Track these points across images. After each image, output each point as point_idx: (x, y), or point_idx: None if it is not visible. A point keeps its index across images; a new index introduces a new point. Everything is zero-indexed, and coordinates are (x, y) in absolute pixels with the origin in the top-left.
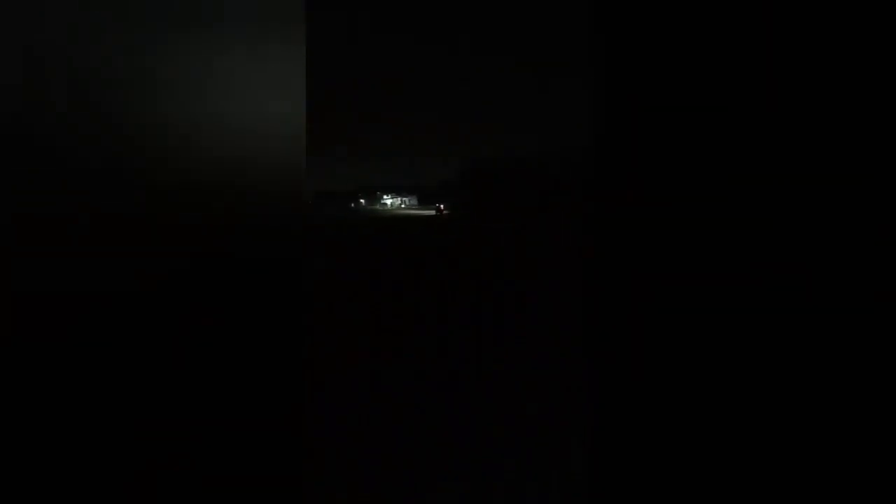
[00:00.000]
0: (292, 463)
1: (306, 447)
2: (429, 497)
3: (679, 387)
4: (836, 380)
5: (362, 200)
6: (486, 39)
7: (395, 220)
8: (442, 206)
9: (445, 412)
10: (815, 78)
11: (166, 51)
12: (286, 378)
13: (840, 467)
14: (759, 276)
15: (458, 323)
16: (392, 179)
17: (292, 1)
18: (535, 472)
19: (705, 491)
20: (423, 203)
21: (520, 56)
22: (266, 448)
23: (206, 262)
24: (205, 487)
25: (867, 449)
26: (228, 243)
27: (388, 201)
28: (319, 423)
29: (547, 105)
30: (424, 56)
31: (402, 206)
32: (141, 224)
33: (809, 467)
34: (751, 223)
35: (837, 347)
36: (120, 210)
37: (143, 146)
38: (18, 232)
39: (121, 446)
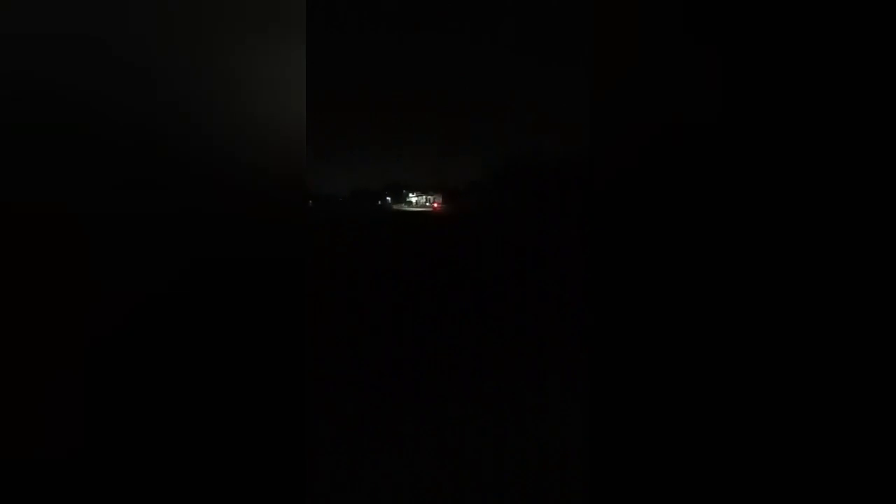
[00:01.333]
0: (294, 461)
1: (307, 446)
2: (430, 498)
3: (678, 385)
4: (834, 379)
5: (389, 198)
6: (509, 36)
7: (406, 215)
8: (436, 203)
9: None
10: (811, 79)
11: (166, 52)
12: (287, 375)
13: (838, 466)
14: (758, 274)
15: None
16: (423, 178)
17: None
18: (535, 471)
19: (704, 490)
20: (446, 202)
21: (544, 52)
22: (267, 447)
23: (206, 260)
24: (205, 486)
25: (864, 449)
26: (228, 242)
27: (414, 199)
28: (320, 422)
29: (575, 103)
30: (451, 54)
31: (427, 204)
32: (140, 223)
33: (807, 466)
34: (750, 223)
35: (835, 347)
36: (119, 209)
37: (143, 145)
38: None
39: (123, 445)
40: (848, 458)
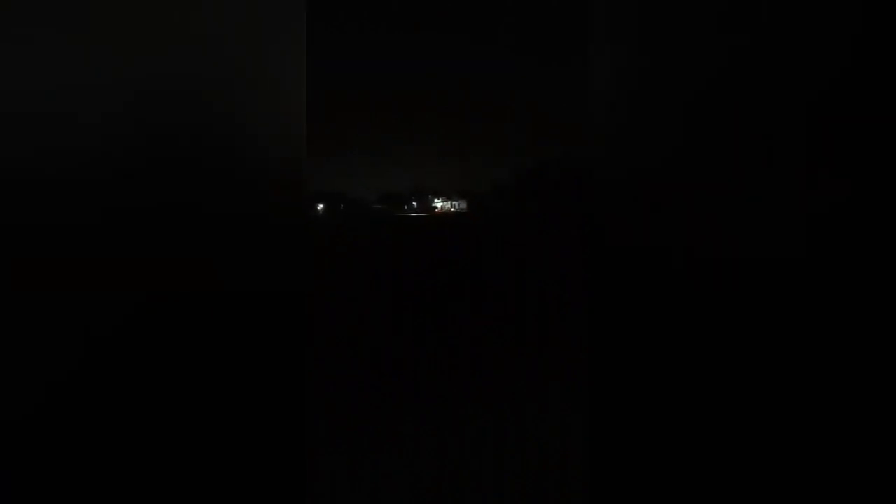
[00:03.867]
0: (294, 461)
1: (307, 446)
2: (430, 498)
3: (678, 386)
4: (836, 379)
5: (414, 203)
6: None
7: (413, 217)
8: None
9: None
10: (811, 77)
11: (166, 52)
12: (287, 375)
13: (839, 467)
14: (760, 274)
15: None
16: (450, 183)
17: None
18: (535, 471)
19: (704, 490)
20: (470, 207)
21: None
22: (267, 447)
23: (205, 260)
24: (206, 486)
25: (866, 450)
26: (228, 242)
27: (439, 204)
28: (320, 422)
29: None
30: (465, 55)
31: (452, 209)
32: (139, 223)
33: (808, 467)
34: (750, 223)
35: (835, 348)
36: (118, 209)
37: (142, 145)
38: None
39: (123, 448)
40: (850, 459)
